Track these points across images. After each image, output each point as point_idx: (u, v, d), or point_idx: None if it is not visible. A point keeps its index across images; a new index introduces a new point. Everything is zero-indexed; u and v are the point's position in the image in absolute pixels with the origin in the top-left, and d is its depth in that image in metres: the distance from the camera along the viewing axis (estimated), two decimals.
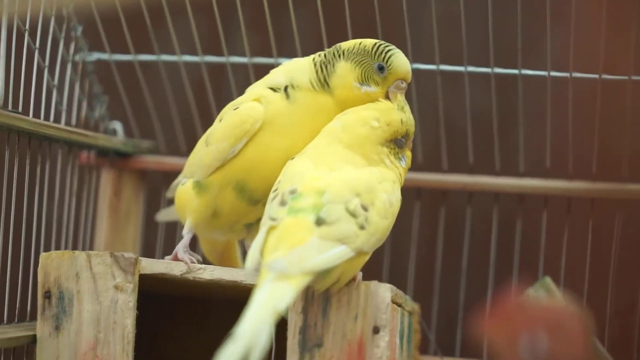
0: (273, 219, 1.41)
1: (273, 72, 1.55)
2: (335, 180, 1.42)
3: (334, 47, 1.51)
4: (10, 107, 1.54)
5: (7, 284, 1.56)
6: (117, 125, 1.89)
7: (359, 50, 1.49)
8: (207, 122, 1.80)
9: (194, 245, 1.68)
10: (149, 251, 1.92)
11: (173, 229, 1.90)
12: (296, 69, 1.52)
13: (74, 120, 1.77)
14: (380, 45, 1.49)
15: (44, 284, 1.49)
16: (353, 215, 1.40)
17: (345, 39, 1.65)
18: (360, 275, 1.45)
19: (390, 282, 1.50)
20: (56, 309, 1.48)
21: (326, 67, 1.50)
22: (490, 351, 1.27)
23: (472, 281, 1.87)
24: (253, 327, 1.29)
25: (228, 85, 1.84)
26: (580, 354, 1.22)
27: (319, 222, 1.38)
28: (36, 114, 1.62)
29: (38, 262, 1.50)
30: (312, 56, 1.52)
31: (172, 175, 1.86)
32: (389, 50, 1.49)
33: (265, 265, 1.36)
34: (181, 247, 1.53)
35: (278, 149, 1.50)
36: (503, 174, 1.83)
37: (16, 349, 1.53)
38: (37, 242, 1.62)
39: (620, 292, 1.78)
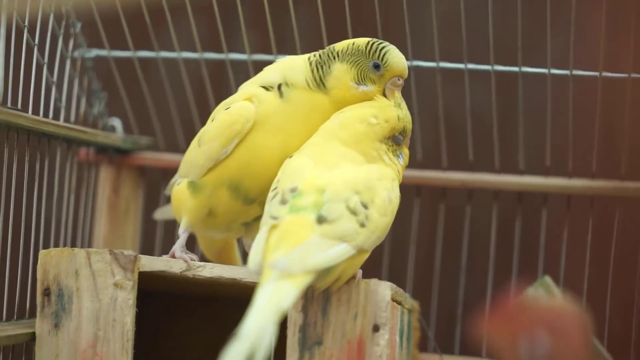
0: (274, 218, 1.40)
1: (267, 69, 1.54)
2: (335, 178, 1.42)
3: (327, 48, 1.51)
4: (9, 104, 1.54)
5: (6, 281, 1.56)
6: (116, 122, 1.89)
7: (353, 51, 1.49)
8: (206, 119, 1.80)
9: (191, 244, 1.68)
10: (147, 248, 1.92)
11: (172, 226, 1.90)
12: (291, 67, 1.51)
13: (72, 117, 1.77)
14: (373, 43, 1.49)
15: (43, 281, 1.48)
16: (353, 213, 1.39)
17: (345, 36, 1.65)
18: (360, 273, 1.45)
19: (389, 279, 1.50)
20: (55, 306, 1.48)
21: (322, 67, 1.49)
22: (490, 351, 1.26)
23: (472, 279, 1.87)
24: (257, 326, 1.29)
25: (228, 82, 1.83)
26: (580, 353, 1.22)
27: (320, 220, 1.38)
28: (35, 111, 1.62)
29: (37, 259, 1.50)
30: (307, 55, 1.52)
31: (171, 172, 1.86)
32: (383, 48, 1.49)
33: (267, 264, 1.36)
34: (178, 247, 1.52)
35: (271, 148, 1.49)
36: (503, 171, 1.83)
37: (15, 347, 1.52)
38: (36, 239, 1.62)
39: (620, 290, 1.78)
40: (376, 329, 1.43)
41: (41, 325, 1.48)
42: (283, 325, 1.43)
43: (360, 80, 1.48)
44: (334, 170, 1.43)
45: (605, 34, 1.67)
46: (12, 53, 1.55)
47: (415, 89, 1.77)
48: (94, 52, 1.85)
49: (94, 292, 1.47)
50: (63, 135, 1.68)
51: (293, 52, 1.75)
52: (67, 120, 1.73)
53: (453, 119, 1.94)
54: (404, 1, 1.70)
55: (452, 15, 1.76)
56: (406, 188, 1.49)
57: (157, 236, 1.92)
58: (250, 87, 1.53)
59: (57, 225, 1.70)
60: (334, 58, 1.49)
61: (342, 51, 1.49)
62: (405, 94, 1.51)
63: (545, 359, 1.20)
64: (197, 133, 1.82)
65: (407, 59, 1.51)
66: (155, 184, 1.92)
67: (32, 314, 1.54)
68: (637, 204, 1.78)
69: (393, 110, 1.48)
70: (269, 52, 1.79)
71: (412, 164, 1.52)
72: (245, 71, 1.81)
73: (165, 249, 1.71)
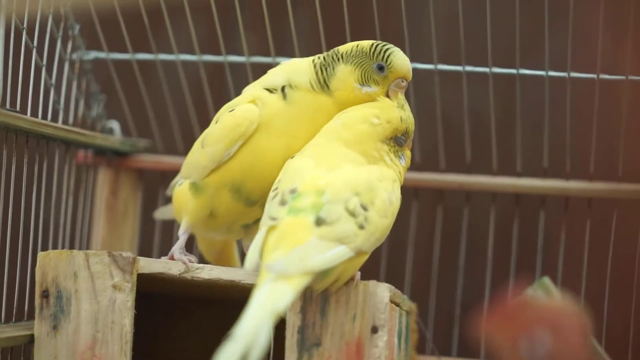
0: (273, 219, 1.41)
1: (271, 72, 1.55)
2: (335, 179, 1.42)
3: (332, 50, 1.52)
4: (8, 106, 1.54)
5: (5, 283, 1.56)
6: (114, 124, 1.89)
7: (357, 52, 1.50)
8: (205, 121, 1.80)
9: (190, 246, 1.68)
10: (146, 250, 1.91)
11: (170, 228, 1.90)
12: (295, 69, 1.52)
13: (71, 119, 1.77)
14: (377, 45, 1.50)
15: (41, 283, 1.48)
16: (352, 214, 1.40)
17: (344, 38, 1.65)
18: (358, 274, 1.45)
19: (387, 281, 1.50)
20: (54, 308, 1.48)
21: (326, 69, 1.50)
22: (490, 351, 1.26)
23: (470, 281, 1.87)
24: (252, 327, 1.29)
25: (226, 85, 1.84)
26: (580, 353, 1.22)
27: (319, 222, 1.38)
28: (34, 113, 1.62)
29: (35, 261, 1.50)
30: (311, 58, 1.52)
31: (169, 174, 1.86)
32: (387, 50, 1.49)
33: (264, 265, 1.36)
34: (177, 248, 1.52)
35: (275, 151, 1.50)
36: (500, 173, 1.83)
37: (14, 349, 1.52)
38: (35, 241, 1.62)
39: (617, 291, 1.78)
40: (375, 330, 1.44)
41: (40, 327, 1.48)
42: (282, 326, 1.43)
43: (364, 81, 1.49)
44: (335, 171, 1.43)
45: (602, 37, 1.68)
46: (10, 55, 1.55)
47: (413, 91, 1.77)
48: (93, 54, 1.85)
49: (93, 294, 1.47)
50: (61, 138, 1.68)
51: (292, 54, 1.76)
52: (65, 122, 1.74)
53: (451, 121, 1.94)
54: (403, 3, 1.70)
55: (450, 17, 1.76)
56: (404, 190, 1.49)
57: (155, 238, 1.92)
58: (254, 89, 1.54)
59: (55, 227, 1.70)
60: (338, 60, 1.50)
61: (346, 53, 1.50)
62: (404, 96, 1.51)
63: (545, 359, 1.20)
64: (196, 135, 1.83)
65: None
66: (153, 186, 1.92)
67: (31, 316, 1.54)
68: (634, 206, 1.79)
69: (396, 111, 1.48)
70: (268, 55, 1.79)
71: (410, 166, 1.53)
72: (244, 73, 1.81)
73: (164, 251, 1.71)
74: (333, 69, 1.50)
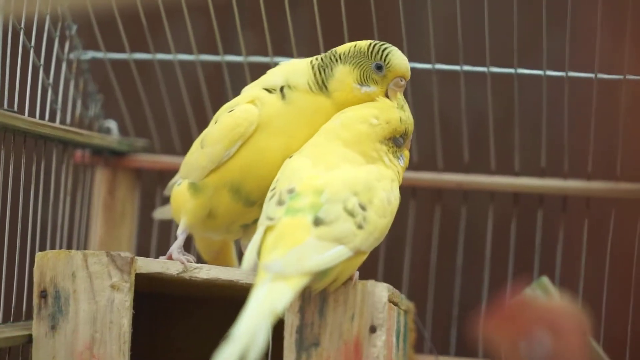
0: (270, 219, 1.40)
1: (270, 72, 1.55)
2: (333, 179, 1.42)
3: (329, 51, 1.51)
4: (6, 106, 1.54)
5: (3, 283, 1.56)
6: (112, 124, 1.89)
7: (355, 53, 1.50)
8: (202, 121, 1.80)
9: (188, 245, 1.68)
10: (143, 250, 1.91)
11: (168, 228, 1.90)
12: (293, 70, 1.51)
13: (68, 119, 1.77)
14: (375, 44, 1.50)
15: (39, 284, 1.48)
16: (351, 214, 1.39)
17: (342, 38, 1.65)
18: (357, 274, 1.45)
19: (385, 280, 1.50)
20: (52, 308, 1.48)
21: (324, 70, 1.50)
22: (489, 351, 1.26)
23: (467, 280, 1.87)
24: (250, 328, 1.29)
25: (224, 85, 1.83)
26: (579, 353, 1.22)
27: (317, 222, 1.38)
28: (31, 113, 1.62)
29: (33, 261, 1.50)
30: (309, 59, 1.52)
31: (167, 174, 1.86)
32: (385, 49, 1.49)
33: (262, 266, 1.36)
34: (175, 248, 1.52)
35: (274, 151, 1.49)
36: (498, 173, 1.83)
37: (11, 349, 1.52)
38: (33, 241, 1.61)
39: (616, 290, 1.78)
40: (373, 330, 1.44)
41: (38, 328, 1.48)
42: (280, 326, 1.43)
43: (363, 81, 1.49)
44: (333, 170, 1.43)
45: (600, 36, 1.68)
46: (8, 55, 1.55)
47: (411, 91, 1.77)
48: (90, 54, 1.84)
49: (91, 294, 1.47)
50: (59, 137, 1.68)
51: (290, 54, 1.76)
52: (62, 122, 1.73)
53: (449, 120, 1.94)
54: (401, 3, 1.70)
55: (448, 17, 1.76)
56: (402, 189, 1.49)
57: (153, 238, 1.92)
58: (253, 89, 1.53)
59: (53, 227, 1.70)
60: (337, 60, 1.50)
61: (344, 53, 1.50)
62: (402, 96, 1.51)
63: (546, 358, 1.20)
64: (193, 135, 1.83)
65: None
66: (151, 186, 1.92)
67: (29, 316, 1.54)
68: (632, 205, 1.79)
69: (395, 112, 1.48)
70: (266, 55, 1.79)
71: (408, 165, 1.52)
72: (242, 73, 1.81)
73: (161, 251, 1.71)
74: (331, 70, 1.50)
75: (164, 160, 1.89)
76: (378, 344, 1.43)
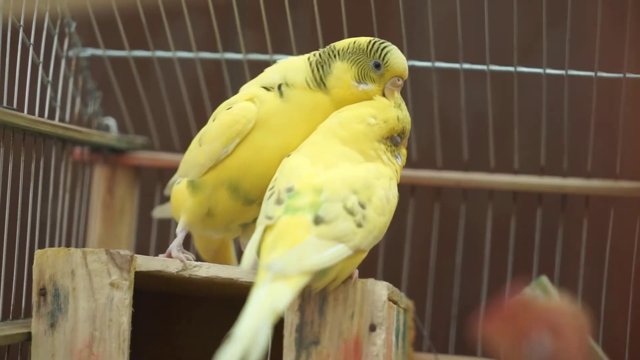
0: (269, 218, 1.40)
1: (267, 70, 1.54)
2: (332, 178, 1.41)
3: (328, 47, 1.51)
4: (5, 104, 1.54)
5: (2, 281, 1.55)
6: (111, 121, 1.89)
7: (354, 49, 1.49)
8: (202, 118, 1.80)
9: (187, 243, 1.68)
10: (142, 248, 1.91)
11: (167, 226, 1.90)
12: (291, 68, 1.51)
13: (67, 117, 1.77)
14: (375, 42, 1.49)
15: (39, 281, 1.48)
16: (351, 213, 1.39)
17: (342, 36, 1.65)
18: (356, 272, 1.45)
19: (384, 278, 1.50)
20: (51, 306, 1.47)
21: (322, 67, 1.49)
22: (490, 351, 1.27)
23: (467, 278, 1.87)
24: (251, 327, 1.29)
25: (223, 82, 1.83)
26: (579, 352, 1.22)
27: (317, 220, 1.38)
28: (31, 110, 1.62)
29: (32, 259, 1.50)
30: (306, 55, 1.52)
31: (166, 171, 1.86)
32: (384, 47, 1.49)
33: (263, 265, 1.35)
34: (175, 246, 1.52)
35: (272, 149, 1.49)
36: (498, 171, 1.83)
37: (11, 347, 1.52)
38: (32, 238, 1.61)
39: (615, 289, 1.78)
40: (373, 328, 1.43)
41: (37, 325, 1.48)
42: (280, 325, 1.43)
43: (361, 78, 1.48)
44: (332, 169, 1.43)
45: (601, 35, 1.68)
46: (7, 52, 1.54)
47: (410, 89, 1.77)
48: (89, 52, 1.84)
49: (90, 292, 1.47)
50: (58, 135, 1.68)
51: (290, 52, 1.75)
52: (62, 119, 1.73)
53: (448, 118, 1.94)
54: (401, 1, 1.70)
55: (448, 15, 1.76)
56: (401, 188, 1.48)
57: (152, 236, 1.92)
58: (251, 87, 1.53)
59: (52, 224, 1.69)
60: (335, 57, 1.49)
61: (342, 50, 1.49)
62: (401, 94, 1.51)
63: (546, 358, 1.20)
64: (192, 133, 1.83)
65: None
66: (150, 183, 1.92)
67: (28, 314, 1.54)
68: (631, 204, 1.79)
69: (392, 111, 1.48)
70: (265, 51, 1.79)
71: (407, 163, 1.52)
72: (242, 71, 1.81)
73: (160, 249, 1.71)
74: (329, 66, 1.49)
75: (163, 157, 1.89)
76: (378, 343, 1.43)
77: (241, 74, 1.80)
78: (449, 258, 1.89)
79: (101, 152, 1.86)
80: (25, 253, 1.59)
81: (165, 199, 1.78)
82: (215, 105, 1.59)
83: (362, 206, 1.40)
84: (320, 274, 1.37)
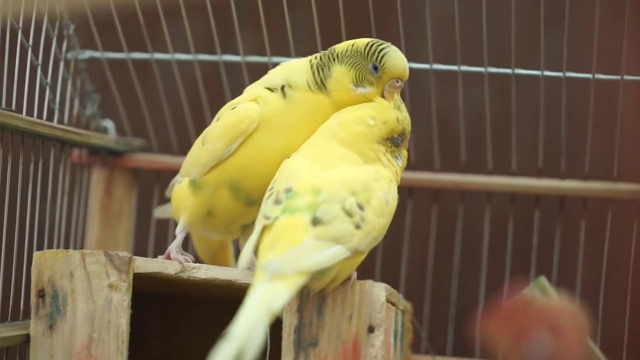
0: (267, 218, 1.40)
1: (271, 72, 1.55)
2: (331, 179, 1.42)
3: (328, 50, 1.51)
4: (3, 105, 1.54)
5: (1, 282, 1.55)
6: (109, 124, 1.89)
7: (352, 52, 1.49)
8: (200, 120, 1.80)
9: (186, 244, 1.68)
10: (140, 250, 1.91)
11: (165, 228, 1.90)
12: (293, 70, 1.51)
13: (66, 119, 1.77)
14: (372, 44, 1.49)
15: (37, 283, 1.48)
16: (349, 214, 1.39)
17: (340, 38, 1.65)
18: (355, 274, 1.45)
19: (382, 280, 1.50)
20: (50, 308, 1.47)
21: (322, 69, 1.49)
22: (490, 352, 1.27)
23: (465, 280, 1.87)
24: (247, 327, 1.29)
25: (222, 84, 1.83)
26: (578, 353, 1.22)
27: (315, 221, 1.38)
28: (29, 112, 1.62)
29: (31, 261, 1.50)
30: (308, 58, 1.52)
31: (164, 173, 1.86)
32: (382, 49, 1.48)
33: (260, 265, 1.35)
34: (174, 247, 1.52)
35: (274, 149, 1.49)
36: (496, 173, 1.83)
37: (9, 349, 1.52)
38: (30, 240, 1.61)
39: (613, 291, 1.79)
40: (371, 330, 1.44)
41: (35, 327, 1.48)
42: (279, 326, 1.43)
43: (359, 82, 1.48)
44: (331, 170, 1.43)
45: (598, 36, 1.68)
46: (6, 54, 1.54)
47: (408, 91, 1.77)
48: (88, 54, 1.84)
49: (89, 293, 1.47)
50: (57, 137, 1.68)
51: (289, 54, 1.76)
52: (60, 121, 1.73)
53: (446, 120, 1.94)
54: (399, 3, 1.70)
55: (446, 17, 1.76)
56: (399, 190, 1.48)
57: (150, 238, 1.92)
58: (255, 88, 1.54)
59: (50, 226, 1.69)
60: (334, 60, 1.49)
61: (341, 53, 1.49)
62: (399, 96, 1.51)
63: (546, 358, 1.20)
64: (191, 135, 1.83)
65: None
66: (148, 185, 1.92)
67: (26, 316, 1.54)
68: (629, 205, 1.79)
69: (392, 112, 1.48)
70: (265, 54, 1.79)
71: (406, 165, 1.53)
72: (240, 73, 1.81)
73: (159, 251, 1.71)
74: (329, 69, 1.49)
75: (162, 159, 1.89)
76: (376, 344, 1.43)
77: (239, 76, 1.80)
78: (447, 260, 1.89)
79: (99, 154, 1.86)
80: (24, 254, 1.59)
81: (164, 201, 1.78)
82: (213, 107, 1.59)
83: (361, 207, 1.41)
84: (318, 275, 1.38)
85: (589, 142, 1.76)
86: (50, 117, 1.70)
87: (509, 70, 1.76)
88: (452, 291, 1.85)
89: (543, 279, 1.54)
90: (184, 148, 1.59)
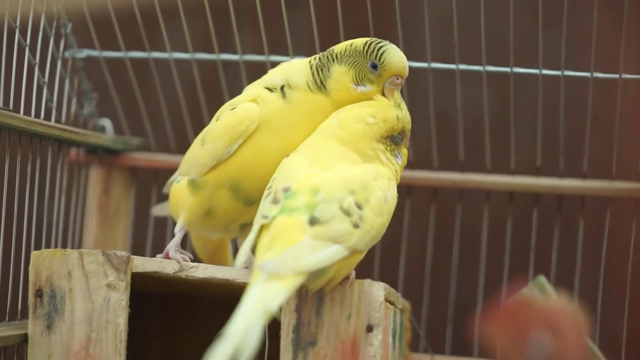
0: (265, 217, 1.40)
1: (271, 72, 1.55)
2: (329, 178, 1.41)
3: (327, 51, 1.51)
4: (1, 105, 1.54)
5: None
6: (107, 122, 1.88)
7: (351, 52, 1.49)
8: (198, 119, 1.80)
9: (184, 243, 1.68)
10: (138, 249, 1.91)
11: (163, 227, 1.90)
12: (293, 70, 1.51)
13: (63, 118, 1.77)
14: (371, 43, 1.49)
15: (35, 282, 1.48)
16: (347, 213, 1.39)
17: (338, 37, 1.65)
18: (353, 273, 1.44)
19: (381, 279, 1.50)
20: (48, 307, 1.47)
21: (321, 70, 1.49)
22: (490, 352, 1.27)
23: (463, 279, 1.87)
24: (244, 327, 1.29)
25: (220, 83, 1.83)
26: (578, 352, 1.22)
27: (313, 221, 1.38)
28: (26, 112, 1.62)
29: (28, 260, 1.49)
30: (308, 59, 1.52)
31: (162, 172, 1.86)
32: (380, 47, 1.48)
33: (257, 265, 1.35)
34: (172, 246, 1.52)
35: (274, 150, 1.49)
36: (494, 171, 1.83)
37: (7, 348, 1.52)
38: (28, 239, 1.61)
39: (611, 289, 1.79)
40: (370, 329, 1.43)
41: (33, 327, 1.48)
42: (277, 325, 1.43)
43: (359, 80, 1.48)
44: (330, 169, 1.43)
45: (597, 35, 1.68)
46: (4, 53, 1.54)
47: (407, 89, 1.77)
48: (85, 53, 1.84)
49: (87, 293, 1.47)
50: (54, 136, 1.68)
51: (287, 53, 1.76)
52: (57, 120, 1.73)
53: (444, 119, 1.94)
54: (397, 2, 1.70)
55: (444, 15, 1.76)
56: (398, 188, 1.48)
57: (148, 237, 1.92)
58: (255, 88, 1.53)
59: (48, 226, 1.69)
60: (333, 60, 1.49)
61: (340, 53, 1.49)
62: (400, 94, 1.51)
63: (546, 358, 1.20)
64: (189, 133, 1.83)
65: None
66: (146, 184, 1.92)
67: (24, 315, 1.53)
68: (628, 204, 1.79)
69: (392, 110, 1.48)
70: (263, 53, 1.79)
71: (405, 163, 1.52)
72: (238, 72, 1.81)
73: (156, 250, 1.71)
74: (328, 70, 1.49)
75: (159, 158, 1.88)
76: (375, 343, 1.43)
77: (237, 75, 1.80)
78: (446, 259, 1.89)
79: (97, 153, 1.86)
80: (22, 254, 1.59)
81: (161, 200, 1.78)
82: (211, 107, 1.59)
83: (359, 207, 1.40)
84: (316, 274, 1.37)
85: (587, 140, 1.76)
86: (47, 116, 1.69)
87: (507, 69, 1.75)
88: (450, 290, 1.85)
89: (542, 279, 1.54)
90: (181, 147, 1.59)
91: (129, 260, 1.47)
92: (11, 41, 1.58)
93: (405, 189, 1.85)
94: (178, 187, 1.56)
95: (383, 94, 1.49)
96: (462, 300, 1.85)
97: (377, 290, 1.44)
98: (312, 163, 1.43)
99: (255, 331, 1.29)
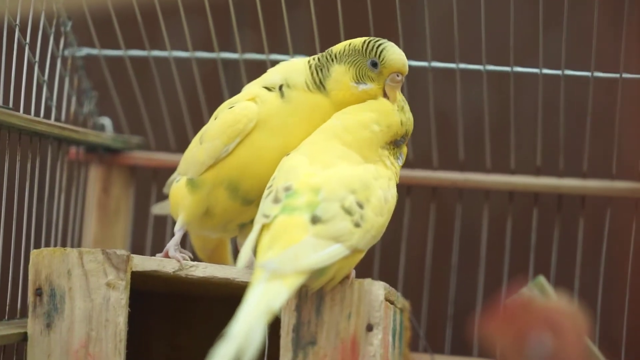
0: (266, 216, 1.40)
1: (269, 71, 1.55)
2: (330, 177, 1.41)
3: (326, 51, 1.51)
4: (1, 103, 1.54)
5: None
6: (106, 121, 1.88)
7: (350, 51, 1.49)
8: (198, 118, 1.80)
9: (184, 242, 1.68)
10: (138, 248, 1.91)
11: (163, 226, 1.89)
12: (291, 69, 1.51)
13: (63, 116, 1.76)
14: (370, 41, 1.49)
15: (35, 281, 1.48)
16: (348, 212, 1.39)
17: (338, 36, 1.65)
18: (353, 273, 1.44)
19: (381, 279, 1.50)
20: (47, 306, 1.47)
21: (321, 70, 1.49)
22: (488, 352, 1.27)
23: (463, 278, 1.87)
24: (246, 327, 1.29)
25: (219, 82, 1.83)
26: (578, 352, 1.22)
27: (314, 220, 1.38)
28: (26, 110, 1.61)
29: (28, 259, 1.49)
30: (307, 58, 1.52)
31: (162, 171, 1.86)
32: (380, 45, 1.49)
33: (259, 264, 1.35)
34: (172, 245, 1.52)
35: (272, 149, 1.49)
36: (494, 171, 1.83)
37: (6, 347, 1.52)
38: (27, 238, 1.61)
39: (611, 289, 1.79)
40: (370, 328, 1.43)
41: (33, 326, 1.48)
42: (277, 324, 1.43)
43: (359, 79, 1.48)
44: (330, 169, 1.43)
45: (597, 34, 1.68)
46: (4, 52, 1.54)
47: (407, 88, 1.77)
48: (85, 51, 1.84)
49: (87, 292, 1.47)
50: (54, 135, 1.68)
51: (287, 51, 1.75)
52: (57, 119, 1.73)
53: (444, 118, 1.94)
54: (397, 1, 1.70)
55: (444, 15, 1.76)
56: (397, 188, 1.48)
57: (147, 236, 1.91)
58: (253, 87, 1.53)
59: (47, 224, 1.69)
60: (332, 60, 1.49)
61: (339, 53, 1.49)
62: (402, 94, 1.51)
63: (546, 358, 1.20)
64: (188, 132, 1.83)
65: None
66: (145, 183, 1.92)
67: (24, 314, 1.53)
68: (627, 204, 1.79)
69: (396, 116, 1.47)
70: (263, 52, 1.79)
71: (405, 162, 1.52)
72: (238, 71, 1.80)
73: (156, 249, 1.71)
74: (328, 69, 1.49)
75: (159, 157, 1.88)
76: (375, 343, 1.43)
77: (237, 74, 1.80)
78: (445, 258, 1.89)
79: (97, 151, 1.86)
80: (21, 253, 1.59)
81: (161, 198, 1.78)
82: (211, 105, 1.59)
83: (360, 206, 1.40)
84: (317, 273, 1.37)
85: (587, 140, 1.76)
86: (47, 115, 1.69)
87: (507, 68, 1.75)
88: (450, 289, 1.85)
89: (542, 278, 1.54)
90: (181, 146, 1.59)
91: (129, 259, 1.47)
92: (11, 39, 1.58)
93: (405, 189, 1.85)
94: (177, 187, 1.55)
95: (384, 93, 1.48)
96: (462, 300, 1.85)
97: (377, 289, 1.44)
98: (312, 162, 1.43)
99: (257, 331, 1.29)
